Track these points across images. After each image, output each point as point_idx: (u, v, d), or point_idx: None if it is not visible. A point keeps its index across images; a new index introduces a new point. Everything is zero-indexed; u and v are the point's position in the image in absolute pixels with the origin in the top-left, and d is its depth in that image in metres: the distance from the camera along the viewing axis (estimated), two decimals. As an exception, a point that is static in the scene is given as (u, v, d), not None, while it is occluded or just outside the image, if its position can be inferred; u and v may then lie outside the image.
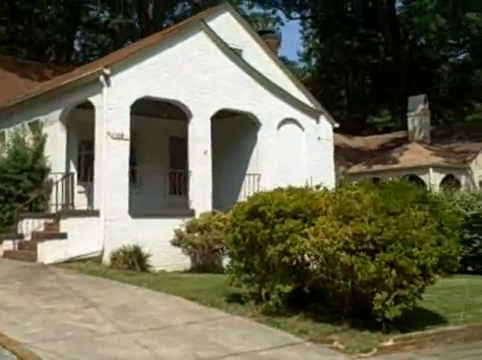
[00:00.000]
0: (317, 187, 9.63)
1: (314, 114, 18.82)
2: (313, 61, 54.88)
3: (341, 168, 28.90)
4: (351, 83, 49.94)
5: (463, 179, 26.69)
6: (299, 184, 10.21)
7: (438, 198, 9.34)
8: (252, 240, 9.02)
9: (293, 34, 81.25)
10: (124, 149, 14.20)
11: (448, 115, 50.21)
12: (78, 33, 43.04)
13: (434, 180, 25.18)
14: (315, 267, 8.89)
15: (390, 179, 26.50)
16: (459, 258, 9.44)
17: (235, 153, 17.94)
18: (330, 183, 21.76)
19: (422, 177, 25.54)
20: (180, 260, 14.48)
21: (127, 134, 14.29)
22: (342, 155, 29.81)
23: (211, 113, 16.12)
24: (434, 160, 25.86)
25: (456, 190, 21.47)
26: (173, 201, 16.70)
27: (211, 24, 17.46)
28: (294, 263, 8.83)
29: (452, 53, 46.46)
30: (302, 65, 56.92)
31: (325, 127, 21.80)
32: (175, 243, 14.31)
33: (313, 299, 9.17)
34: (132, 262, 12.86)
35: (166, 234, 14.45)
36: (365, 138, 35.04)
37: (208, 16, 17.92)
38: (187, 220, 14.53)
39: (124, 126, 14.25)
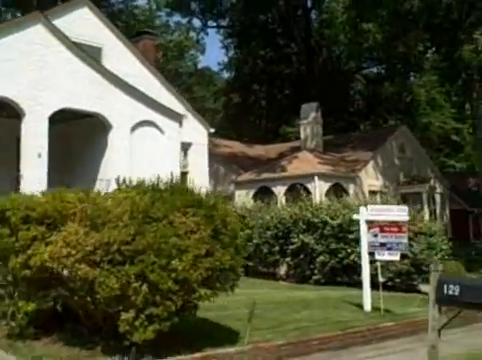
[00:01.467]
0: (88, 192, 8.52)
1: (176, 117, 17.82)
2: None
3: (232, 176, 28.09)
4: (267, 93, 49.43)
5: (351, 188, 26.23)
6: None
7: (217, 203, 8.34)
8: (-1, 249, 7.85)
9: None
10: None
11: (364, 126, 50.43)
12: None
13: (320, 188, 24.62)
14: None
15: (278, 187, 25.94)
16: (239, 269, 8.46)
17: (86, 157, 16.72)
18: (204, 191, 20.96)
19: (308, 185, 24.94)
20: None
21: None
22: (236, 163, 29.04)
23: (49, 112, 14.86)
24: (320, 168, 25.29)
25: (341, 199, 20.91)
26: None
27: (65, 19, 16.43)
28: (46, 276, 7.69)
29: (368, 65, 46.74)
30: (227, 75, 56.30)
31: (199, 132, 21.00)
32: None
33: (73, 319, 8.06)
34: None
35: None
36: (266, 147, 34.39)
37: (63, 10, 16.84)
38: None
39: None
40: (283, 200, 25.22)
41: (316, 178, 24.67)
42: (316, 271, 18.29)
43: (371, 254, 12.44)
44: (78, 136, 16.78)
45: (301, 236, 18.38)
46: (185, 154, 20.72)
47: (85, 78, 15.68)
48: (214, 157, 29.09)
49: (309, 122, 28.39)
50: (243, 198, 26.13)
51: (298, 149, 29.40)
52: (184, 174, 20.69)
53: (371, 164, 27.76)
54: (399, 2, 23.39)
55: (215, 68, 57.30)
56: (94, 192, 8.29)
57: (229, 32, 49.52)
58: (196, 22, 51.64)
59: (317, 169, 25.07)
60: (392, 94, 44.90)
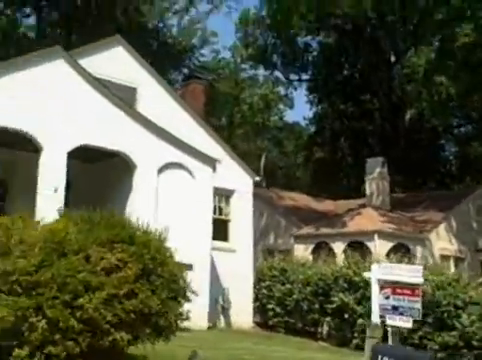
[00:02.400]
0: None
1: (209, 161, 17.03)
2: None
3: (293, 229, 26.75)
4: (351, 149, 47.90)
5: (419, 250, 24.05)
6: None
7: (149, 240, 7.29)
8: None
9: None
10: None
11: (458, 189, 47.44)
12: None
13: (380, 247, 22.74)
14: None
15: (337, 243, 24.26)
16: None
17: (111, 200, 16.11)
18: (247, 239, 19.88)
19: (368, 243, 23.15)
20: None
21: None
22: (297, 216, 27.69)
23: (67, 148, 14.50)
24: (381, 226, 23.45)
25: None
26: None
27: (99, 56, 16.57)
28: None
29: (458, 123, 44.32)
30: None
31: (243, 180, 20.23)
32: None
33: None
34: None
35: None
36: (336, 202, 32.74)
37: (97, 48, 16.92)
38: None
39: None
40: (342, 257, 23.58)
41: (376, 236, 22.87)
42: (356, 334, 16.54)
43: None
44: (104, 176, 16.39)
45: (341, 295, 16.77)
46: (227, 201, 19.89)
47: (109, 117, 15.29)
48: (275, 209, 28.10)
49: (374, 178, 26.69)
50: (301, 252, 24.82)
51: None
52: (225, 222, 19.86)
53: (443, 226, 25.48)
54: (468, 51, 21.53)
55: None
56: (26, 219, 7.50)
57: (311, 86, 48.83)
58: (284, 75, 51.97)
59: (377, 226, 23.28)
60: (482, 154, 41.99)
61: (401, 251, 23.24)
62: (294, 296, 18.04)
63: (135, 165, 15.76)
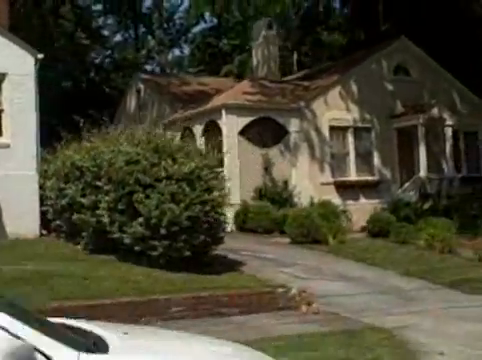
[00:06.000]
0: None
1: None
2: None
3: (172, 115, 23.38)
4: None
5: (294, 123, 19.96)
6: None
7: None
8: None
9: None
10: None
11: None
12: None
13: (229, 125, 19.03)
14: None
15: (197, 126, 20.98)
16: None
17: None
18: (28, 132, 16.89)
19: (219, 122, 19.48)
20: None
21: None
22: (183, 102, 24.08)
23: None
24: (230, 99, 19.44)
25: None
26: None
27: None
28: None
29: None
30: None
31: (20, 62, 17.08)
32: None
33: None
34: None
35: None
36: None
37: None
38: None
39: None
40: (202, 142, 20.14)
41: (223, 111, 19.09)
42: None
43: None
44: None
45: (73, 189, 13.61)
46: (-4, 88, 16.94)
47: None
48: (165, 96, 24.78)
49: (260, 43, 22.26)
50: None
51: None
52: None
53: (335, 91, 20.94)
54: None
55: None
56: None
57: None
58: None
59: (226, 100, 19.38)
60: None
61: (263, 125, 19.54)
62: (50, 194, 15.06)
63: None
